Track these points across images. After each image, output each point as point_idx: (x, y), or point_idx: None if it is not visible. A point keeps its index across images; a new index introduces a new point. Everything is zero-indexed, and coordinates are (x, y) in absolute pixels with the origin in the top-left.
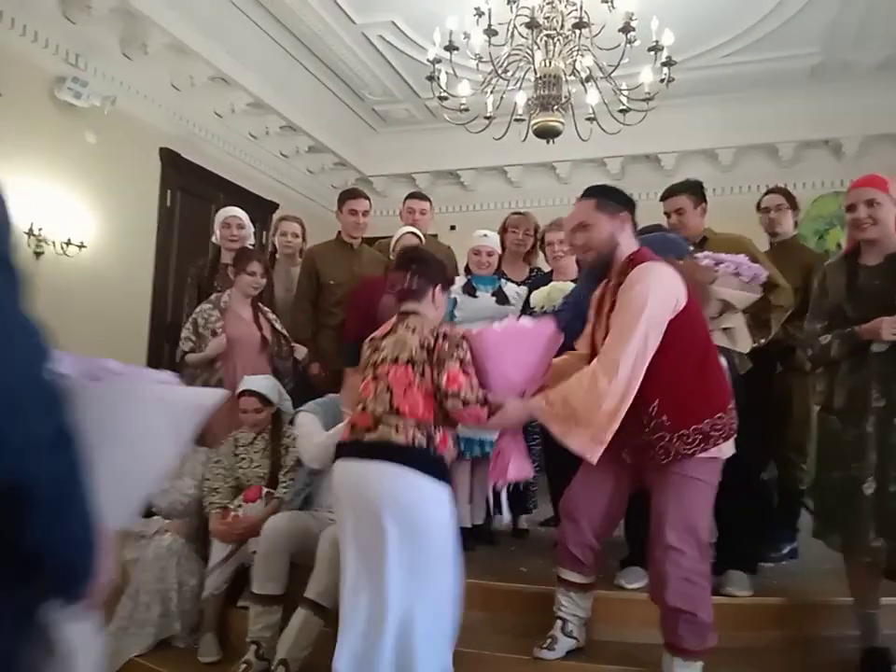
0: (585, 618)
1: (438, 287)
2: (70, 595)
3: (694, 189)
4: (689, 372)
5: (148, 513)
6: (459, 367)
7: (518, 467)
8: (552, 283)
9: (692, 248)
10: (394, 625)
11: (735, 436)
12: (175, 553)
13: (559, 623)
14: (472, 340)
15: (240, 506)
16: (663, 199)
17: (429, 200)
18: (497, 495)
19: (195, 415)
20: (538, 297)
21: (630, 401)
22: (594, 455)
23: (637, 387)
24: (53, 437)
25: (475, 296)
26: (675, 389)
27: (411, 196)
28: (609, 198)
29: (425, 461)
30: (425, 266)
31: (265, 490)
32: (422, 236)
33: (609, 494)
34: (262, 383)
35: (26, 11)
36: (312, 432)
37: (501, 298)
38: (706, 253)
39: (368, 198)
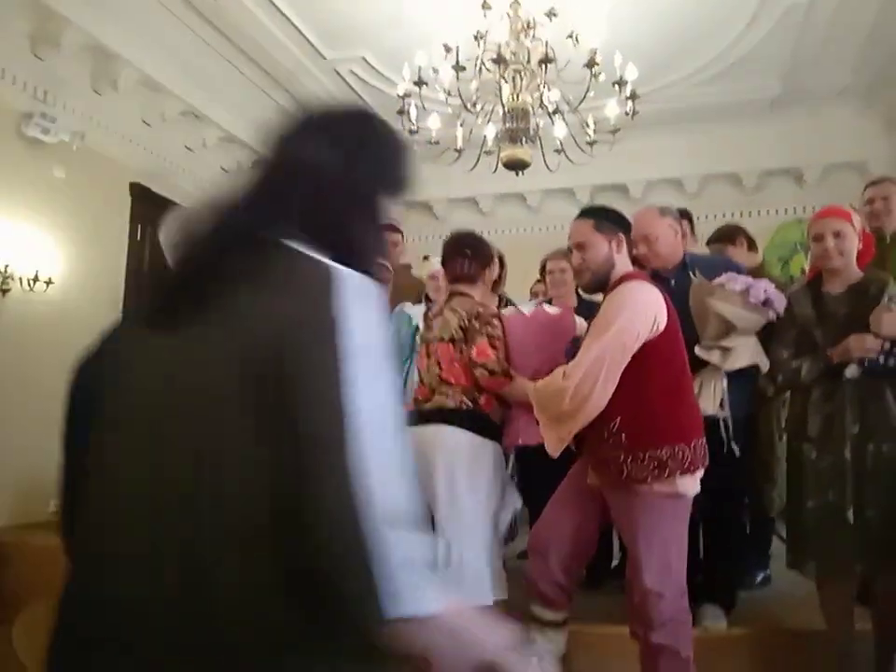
0: (561, 654)
1: (486, 269)
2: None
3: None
4: (657, 396)
5: None
6: (487, 342)
7: (527, 433)
8: None
9: None
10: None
11: (702, 474)
12: None
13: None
14: (504, 320)
15: None
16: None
17: (401, 231)
18: None
19: None
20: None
21: (594, 407)
22: (553, 450)
23: (605, 396)
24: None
25: None
26: (638, 410)
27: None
28: (607, 219)
29: (472, 420)
30: (478, 251)
31: None
32: (391, 268)
33: (575, 529)
34: None
35: None
36: None
37: None
38: (731, 274)
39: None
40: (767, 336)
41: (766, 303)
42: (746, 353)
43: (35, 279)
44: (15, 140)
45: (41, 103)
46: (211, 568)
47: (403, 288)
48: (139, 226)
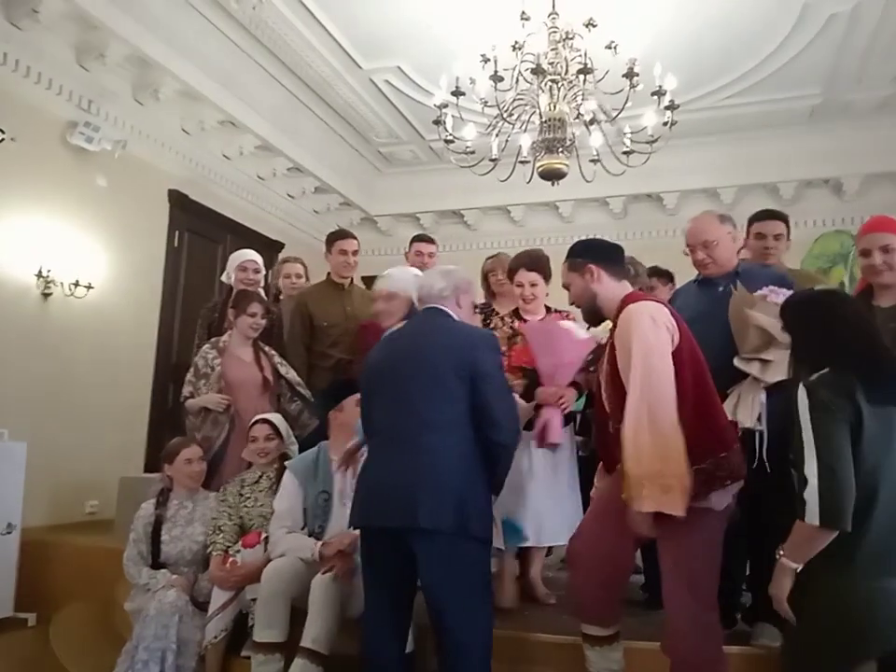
0: (619, 670)
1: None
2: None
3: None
4: (687, 412)
5: (157, 565)
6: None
7: (555, 433)
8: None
9: None
10: None
11: (737, 487)
12: (177, 609)
13: None
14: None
15: (238, 551)
16: (761, 219)
17: (435, 242)
18: None
19: None
20: (600, 331)
21: (668, 439)
22: (675, 507)
23: (668, 409)
24: None
25: None
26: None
27: (419, 239)
28: (575, 256)
29: None
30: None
31: (264, 535)
32: None
33: (611, 543)
34: (276, 417)
35: (42, 61)
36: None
37: None
38: (771, 288)
39: (356, 238)
40: None
41: None
42: (785, 365)
43: (76, 284)
44: (60, 149)
45: (85, 112)
46: None
47: None
48: (177, 232)
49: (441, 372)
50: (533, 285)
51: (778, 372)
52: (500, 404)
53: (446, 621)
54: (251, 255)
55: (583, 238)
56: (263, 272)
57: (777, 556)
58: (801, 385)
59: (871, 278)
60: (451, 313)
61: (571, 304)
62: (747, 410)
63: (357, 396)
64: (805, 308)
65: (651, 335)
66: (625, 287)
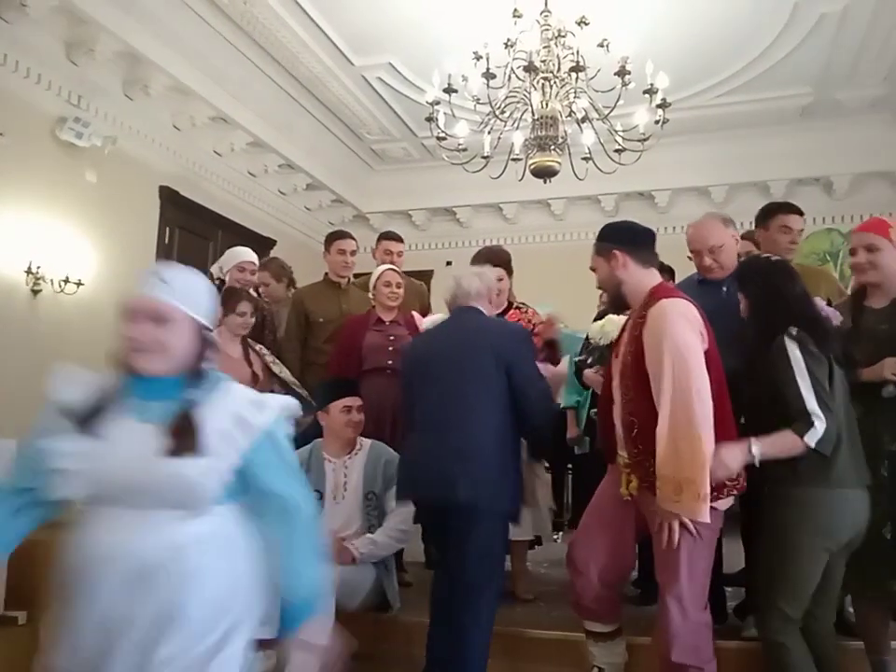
0: (622, 663)
1: None
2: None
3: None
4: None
5: None
6: None
7: None
8: (607, 316)
9: None
10: None
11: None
12: None
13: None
14: None
15: None
16: (786, 212)
17: (403, 241)
18: None
19: None
20: (594, 330)
21: (703, 433)
22: (704, 514)
23: (707, 415)
24: None
25: None
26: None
27: (387, 237)
28: (603, 239)
29: None
30: None
31: None
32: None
33: (611, 541)
34: None
35: (31, 55)
36: None
37: None
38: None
39: (355, 239)
40: None
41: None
42: None
43: (66, 280)
44: (49, 144)
45: (75, 107)
46: None
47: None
48: (168, 229)
49: (481, 363)
50: (499, 280)
51: None
52: (531, 391)
53: (458, 593)
54: (251, 256)
55: (613, 221)
56: (257, 273)
57: (749, 443)
58: (786, 339)
59: (857, 277)
60: (482, 310)
61: (598, 288)
62: None
63: (343, 402)
64: (775, 276)
65: (689, 337)
66: (653, 276)
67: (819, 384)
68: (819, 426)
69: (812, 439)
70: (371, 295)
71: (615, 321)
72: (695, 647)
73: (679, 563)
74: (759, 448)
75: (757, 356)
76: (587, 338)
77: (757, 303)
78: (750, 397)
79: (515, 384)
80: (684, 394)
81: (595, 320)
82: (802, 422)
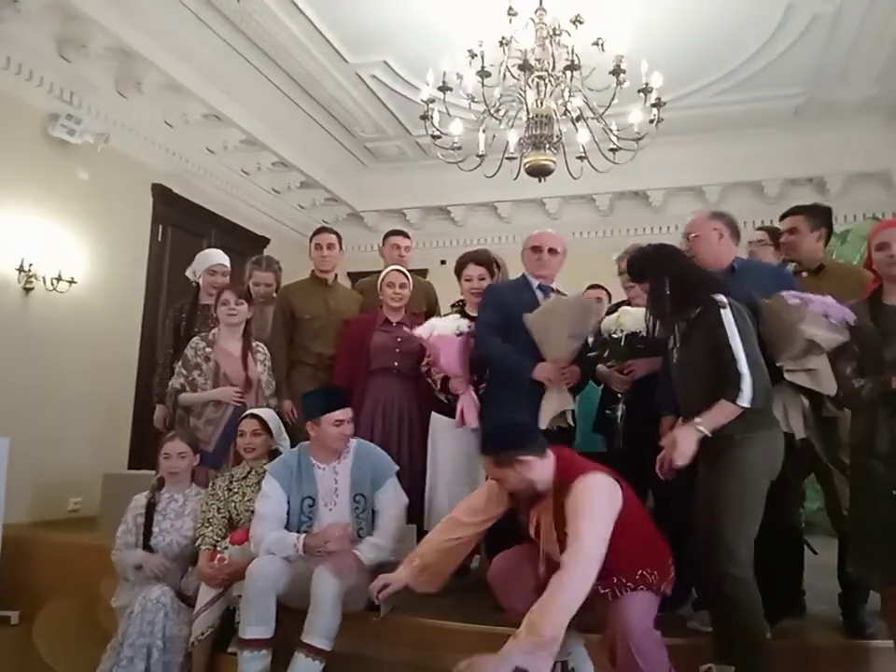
0: (582, 644)
1: None
2: None
3: (814, 213)
4: (637, 549)
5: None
6: None
7: (470, 418)
8: (622, 308)
9: (804, 275)
10: None
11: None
12: (162, 605)
13: (559, 665)
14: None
15: (226, 548)
16: (781, 218)
17: (410, 237)
18: None
19: None
20: (608, 322)
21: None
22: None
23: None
24: None
25: None
26: (626, 564)
27: (395, 233)
28: (500, 452)
29: None
30: None
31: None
32: (408, 273)
33: (536, 579)
34: (267, 413)
35: (23, 51)
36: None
37: None
38: (793, 293)
39: (334, 232)
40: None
41: (842, 322)
42: (827, 373)
43: (58, 278)
44: (41, 141)
45: (67, 104)
46: None
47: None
48: (160, 226)
49: None
50: (482, 278)
51: (825, 381)
52: None
53: None
54: (220, 258)
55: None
56: (229, 273)
57: (694, 423)
58: (719, 307)
59: (887, 270)
60: None
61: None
62: (798, 420)
63: (335, 415)
64: (672, 260)
65: (608, 516)
66: (551, 460)
67: (747, 343)
68: (746, 387)
69: (744, 400)
70: (381, 295)
71: (631, 312)
72: (649, 651)
73: (624, 618)
74: (705, 424)
75: (686, 328)
76: (599, 332)
77: (661, 284)
78: (681, 363)
79: None
80: (585, 577)
81: (608, 314)
82: (731, 387)
